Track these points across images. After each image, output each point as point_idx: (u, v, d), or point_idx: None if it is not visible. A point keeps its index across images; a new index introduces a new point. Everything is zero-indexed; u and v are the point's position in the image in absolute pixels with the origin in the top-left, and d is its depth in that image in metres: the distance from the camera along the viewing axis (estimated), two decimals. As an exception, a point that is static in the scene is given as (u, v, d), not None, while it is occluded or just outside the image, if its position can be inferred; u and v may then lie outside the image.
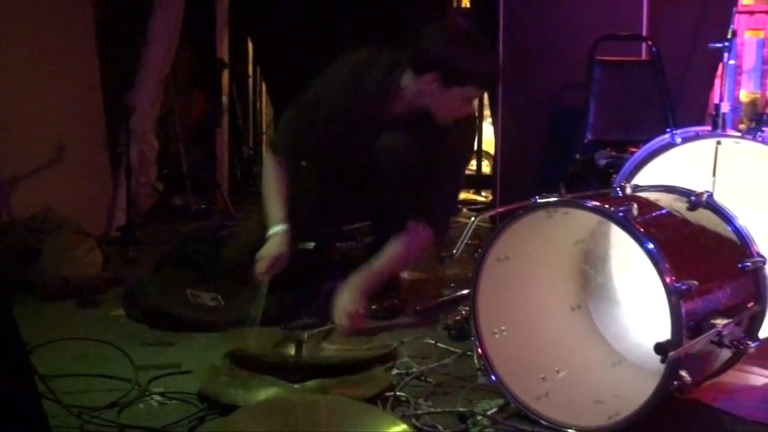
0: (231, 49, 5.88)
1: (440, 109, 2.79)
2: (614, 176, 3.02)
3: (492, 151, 5.58)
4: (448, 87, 2.71)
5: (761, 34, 5.38)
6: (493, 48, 3.00)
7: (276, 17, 5.26)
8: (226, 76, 5.79)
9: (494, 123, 5.00)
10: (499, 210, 2.30)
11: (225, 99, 5.80)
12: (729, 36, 2.86)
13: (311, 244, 3.03)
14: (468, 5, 5.58)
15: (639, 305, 2.50)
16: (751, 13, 5.38)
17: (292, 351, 2.48)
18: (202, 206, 5.24)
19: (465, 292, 2.96)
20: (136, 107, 4.40)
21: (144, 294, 3.00)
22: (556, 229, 2.33)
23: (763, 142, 2.79)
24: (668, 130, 2.90)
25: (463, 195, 5.96)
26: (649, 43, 4.23)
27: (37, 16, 3.98)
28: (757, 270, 2.30)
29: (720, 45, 2.86)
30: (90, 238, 3.59)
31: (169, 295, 3.00)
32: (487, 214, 2.84)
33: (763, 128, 3.03)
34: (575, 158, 3.89)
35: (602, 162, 3.27)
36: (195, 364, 2.50)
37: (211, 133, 5.73)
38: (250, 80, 6.43)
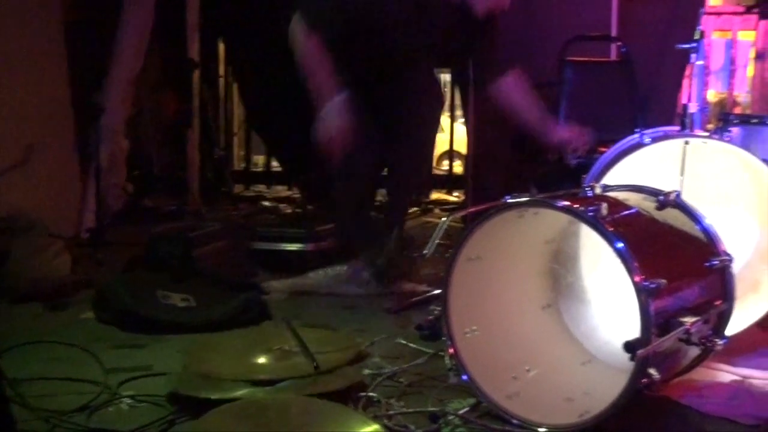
0: (202, 49, 5.84)
1: None
2: (584, 176, 3.04)
3: (464, 151, 5.60)
4: None
5: (729, 35, 5.45)
6: None
7: (247, 17, 5.25)
8: (197, 76, 5.76)
9: (466, 123, 5.02)
10: (471, 210, 2.31)
11: (196, 99, 5.77)
12: (696, 37, 2.90)
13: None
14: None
15: (608, 304, 2.52)
16: (719, 14, 5.44)
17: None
18: (173, 207, 5.21)
19: (437, 292, 2.96)
20: (105, 107, 4.37)
21: (114, 296, 2.98)
22: (527, 228, 2.34)
23: (730, 142, 2.83)
24: (637, 130, 2.92)
25: (434, 195, 5.99)
26: (619, 43, 4.27)
27: (3, 16, 3.93)
28: (724, 268, 2.33)
29: (687, 46, 2.89)
30: (59, 240, 3.56)
31: (139, 296, 2.98)
32: (459, 215, 2.84)
33: (730, 128, 3.08)
34: (546, 158, 3.92)
35: (573, 162, 3.30)
36: (166, 366, 2.49)
37: (182, 134, 5.69)
38: (222, 81, 6.40)
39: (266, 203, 5.83)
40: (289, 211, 5.34)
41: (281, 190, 6.28)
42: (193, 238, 3.48)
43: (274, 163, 6.35)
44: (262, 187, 6.42)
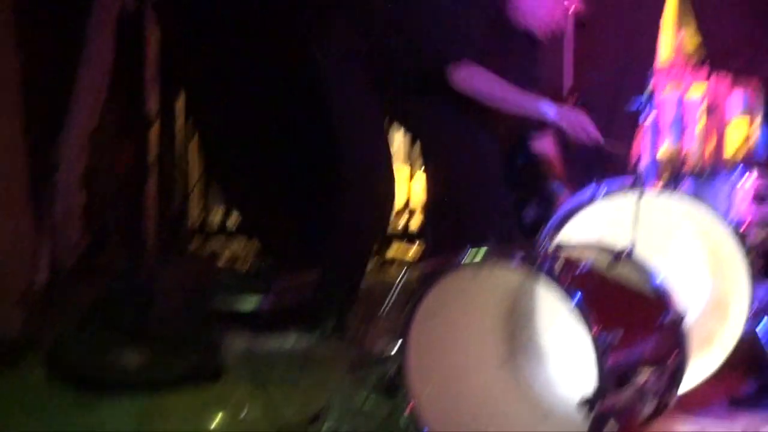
0: (160, 102, 5.83)
1: (532, 8, 3.05)
2: (540, 230, 3.07)
3: (422, 205, 5.62)
4: None
5: (680, 90, 5.58)
6: None
7: (211, 65, 5.27)
8: (154, 130, 5.74)
9: (427, 178, 5.04)
10: (428, 266, 2.32)
11: (153, 154, 5.74)
12: (646, 95, 2.96)
13: None
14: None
15: (565, 359, 2.53)
16: (670, 69, 5.57)
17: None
18: (129, 262, 5.14)
19: (395, 349, 2.95)
20: (61, 162, 4.32)
21: (66, 354, 2.92)
22: (484, 285, 2.35)
23: (681, 195, 2.88)
24: (591, 184, 2.96)
25: (393, 251, 5.99)
26: (574, 96, 4.34)
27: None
28: (678, 322, 2.36)
29: (639, 102, 2.96)
30: (10, 296, 3.49)
31: (92, 355, 2.93)
32: (416, 271, 2.84)
33: (682, 182, 3.15)
34: (505, 212, 3.94)
35: (530, 217, 3.34)
36: (119, 428, 2.43)
37: (139, 189, 5.64)
38: (179, 135, 6.38)
39: (224, 258, 5.78)
40: (248, 266, 5.30)
41: (240, 245, 6.23)
42: (148, 294, 3.44)
43: (233, 218, 6.31)
44: (218, 244, 6.37)
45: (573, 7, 3.16)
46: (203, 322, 3.54)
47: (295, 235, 5.25)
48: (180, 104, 6.21)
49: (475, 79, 3.07)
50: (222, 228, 6.46)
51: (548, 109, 3.02)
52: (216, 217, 6.60)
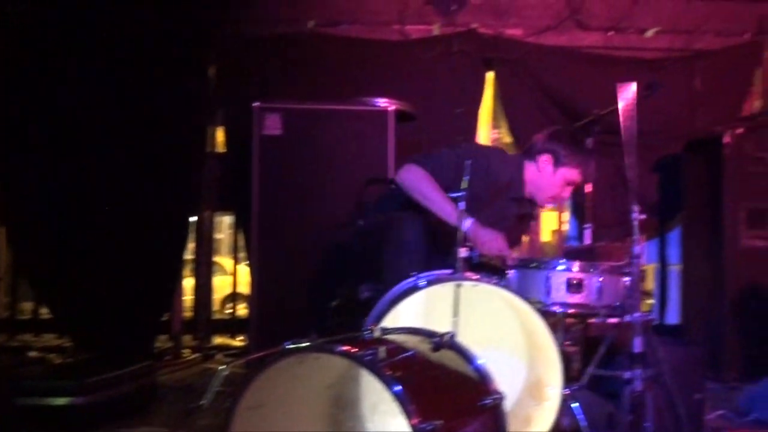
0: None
1: (550, 187, 3.56)
2: (364, 319, 3.08)
3: (248, 293, 5.55)
4: (557, 167, 3.53)
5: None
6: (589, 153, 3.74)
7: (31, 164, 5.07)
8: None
9: (249, 265, 5.01)
10: (252, 356, 2.27)
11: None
12: (464, 186, 3.09)
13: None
14: (223, 150, 5.66)
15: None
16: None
17: None
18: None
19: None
20: None
21: None
22: (308, 374, 2.33)
23: (497, 284, 2.99)
24: (413, 273, 3.03)
25: (218, 340, 5.85)
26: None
27: None
28: (496, 406, 2.42)
29: (456, 195, 3.07)
30: None
31: None
32: (239, 362, 2.78)
33: (502, 271, 3.27)
34: (339, 292, 3.94)
35: (365, 295, 3.36)
36: None
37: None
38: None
39: (33, 353, 5.43)
40: (59, 361, 5.00)
41: (50, 339, 5.88)
42: None
43: (44, 311, 5.97)
44: (29, 336, 5.99)
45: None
46: (10, 421, 3.29)
47: (107, 330, 5.04)
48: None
49: (411, 174, 3.43)
50: (33, 321, 6.10)
51: (465, 223, 3.22)
52: (26, 308, 6.23)
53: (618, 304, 3.22)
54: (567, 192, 3.62)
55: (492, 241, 3.25)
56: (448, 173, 3.38)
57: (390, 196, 3.65)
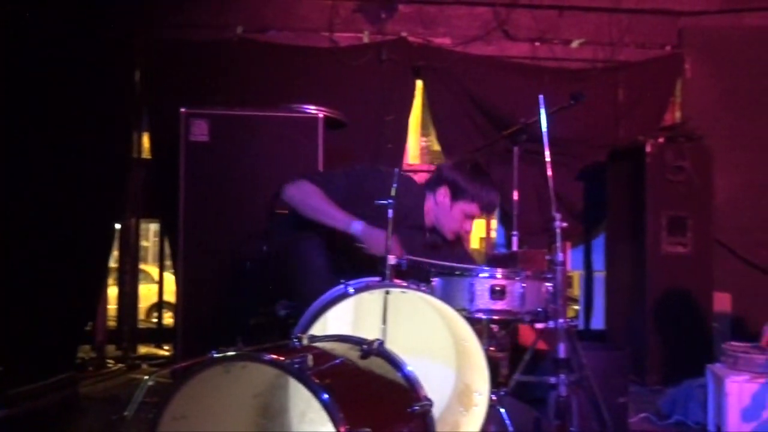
0: None
1: (448, 220, 3.52)
2: (293, 327, 3.06)
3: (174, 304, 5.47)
4: (455, 200, 3.49)
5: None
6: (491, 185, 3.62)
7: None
8: None
9: (175, 273, 4.93)
10: (176, 366, 2.23)
11: None
12: (393, 194, 3.10)
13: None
14: (149, 156, 5.56)
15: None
16: (415, 171, 5.91)
17: None
18: None
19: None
20: None
21: None
22: (235, 383, 2.30)
23: (425, 292, 3.01)
24: (342, 281, 3.02)
25: (144, 349, 5.74)
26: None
27: None
28: (425, 413, 2.43)
29: (384, 202, 3.08)
30: None
31: None
32: (164, 372, 2.73)
33: (432, 278, 3.29)
34: (257, 309, 3.91)
35: (282, 312, 3.34)
36: None
37: None
38: None
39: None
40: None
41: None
42: None
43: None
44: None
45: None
46: None
47: (27, 340, 4.89)
48: None
49: (296, 190, 3.42)
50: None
51: (355, 227, 3.27)
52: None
53: (541, 309, 3.27)
54: (468, 225, 3.59)
55: (381, 239, 3.19)
56: (338, 194, 3.38)
57: (284, 218, 3.63)
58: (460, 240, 3.77)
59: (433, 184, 3.58)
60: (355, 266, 3.31)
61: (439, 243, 3.64)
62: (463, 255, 3.73)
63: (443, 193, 3.51)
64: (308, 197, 3.38)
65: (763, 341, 3.33)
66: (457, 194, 3.49)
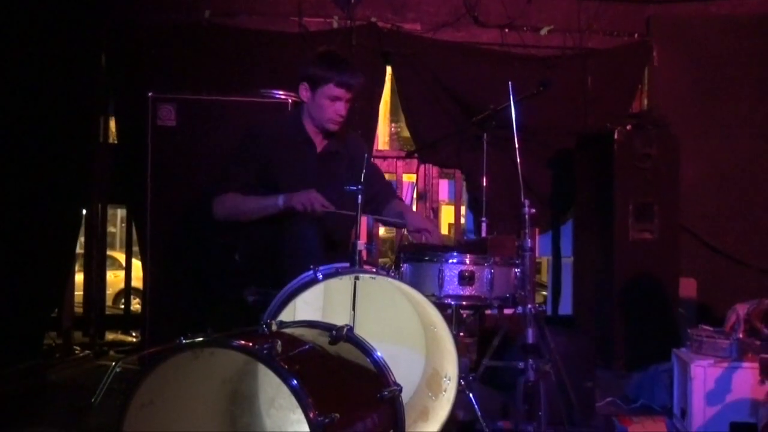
0: None
1: (318, 111, 3.50)
2: (262, 313, 3.05)
3: (141, 290, 5.42)
4: (314, 90, 3.48)
5: (394, 177, 5.92)
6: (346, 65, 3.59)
7: None
8: None
9: (143, 259, 4.89)
10: (144, 353, 2.21)
11: None
12: (362, 180, 3.09)
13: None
14: (116, 141, 5.50)
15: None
16: (385, 158, 5.90)
17: None
18: None
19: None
20: None
21: None
22: (203, 369, 2.29)
23: (396, 277, 3.01)
24: (311, 267, 3.01)
25: (111, 336, 5.70)
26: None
27: None
28: (394, 398, 2.43)
29: (354, 188, 3.07)
30: None
31: None
32: (131, 358, 2.71)
33: (403, 264, 3.29)
34: (225, 295, 3.90)
35: (251, 299, 3.32)
36: None
37: None
38: None
39: None
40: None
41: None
42: None
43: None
44: None
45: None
46: None
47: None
48: None
49: (219, 206, 3.51)
50: None
51: (279, 200, 3.32)
52: None
53: (509, 295, 3.29)
54: (340, 109, 3.51)
55: (305, 195, 3.27)
56: (248, 177, 3.46)
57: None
58: (360, 147, 3.76)
59: (297, 86, 3.58)
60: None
61: (333, 149, 3.63)
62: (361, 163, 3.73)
63: (304, 89, 3.52)
64: (232, 207, 3.48)
65: (727, 326, 3.37)
66: (313, 84, 3.49)
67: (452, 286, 3.18)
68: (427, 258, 3.23)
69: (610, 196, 5.11)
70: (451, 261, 3.19)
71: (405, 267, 3.25)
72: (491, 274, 3.20)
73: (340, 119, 3.53)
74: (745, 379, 3.43)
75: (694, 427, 3.47)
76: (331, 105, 3.48)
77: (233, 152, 3.57)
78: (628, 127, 5.14)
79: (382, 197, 3.73)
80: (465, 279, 3.19)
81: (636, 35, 6.08)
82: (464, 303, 3.26)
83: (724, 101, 5.94)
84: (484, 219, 4.67)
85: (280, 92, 4.70)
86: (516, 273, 3.34)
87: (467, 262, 3.21)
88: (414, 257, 3.29)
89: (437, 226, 3.58)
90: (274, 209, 3.35)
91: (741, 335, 3.36)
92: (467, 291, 3.18)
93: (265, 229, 3.44)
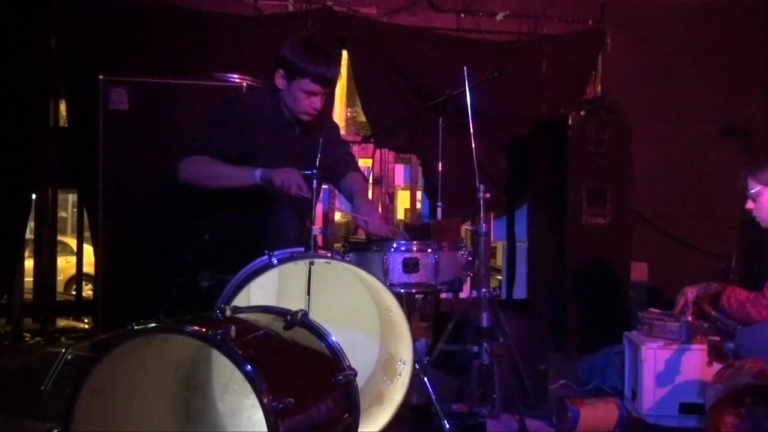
0: None
1: (292, 102, 3.40)
2: (216, 299, 3.03)
3: (93, 276, 5.34)
4: (290, 80, 3.37)
5: (369, 163, 5.91)
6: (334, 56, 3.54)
7: None
8: None
9: (94, 245, 4.82)
10: (95, 339, 2.19)
11: None
12: (317, 164, 3.08)
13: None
14: (66, 124, 5.40)
15: (241, 426, 2.50)
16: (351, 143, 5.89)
17: None
18: None
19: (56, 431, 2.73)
20: None
21: None
22: (156, 355, 2.27)
23: (350, 262, 3.01)
24: (266, 252, 2.99)
25: (62, 322, 5.61)
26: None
27: None
28: (349, 383, 2.44)
29: (309, 173, 3.06)
30: None
31: None
32: (83, 344, 2.68)
33: (348, 254, 3.27)
34: (178, 281, 3.85)
35: (205, 284, 3.29)
36: None
37: None
38: None
39: None
40: None
41: None
42: None
43: None
44: None
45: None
46: None
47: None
48: None
49: (187, 168, 3.34)
50: None
51: (257, 172, 3.21)
52: None
53: (455, 278, 3.29)
54: (316, 103, 3.42)
55: (287, 172, 3.18)
56: (224, 144, 3.34)
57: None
58: (335, 131, 3.77)
59: (273, 70, 3.47)
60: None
61: (310, 131, 3.56)
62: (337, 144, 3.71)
63: (280, 76, 3.40)
64: (202, 170, 3.31)
65: (676, 309, 3.43)
66: (290, 74, 3.38)
67: (397, 275, 3.16)
68: (375, 248, 3.22)
69: (564, 181, 5.17)
70: (394, 249, 3.18)
71: (351, 256, 3.22)
72: (435, 259, 3.19)
73: (315, 113, 3.45)
74: (694, 361, 3.50)
75: (644, 408, 3.53)
76: (306, 98, 3.38)
77: (208, 116, 3.44)
78: (582, 113, 5.19)
79: (341, 167, 3.63)
80: (409, 267, 3.17)
81: (590, 22, 6.13)
82: (412, 290, 3.24)
83: (676, 88, 6.03)
84: (439, 204, 4.68)
85: (235, 76, 4.64)
86: (463, 255, 3.34)
87: (413, 249, 3.20)
88: (359, 246, 3.28)
89: (382, 216, 3.49)
90: (249, 180, 3.22)
91: (690, 318, 3.42)
92: (413, 278, 3.17)
93: (237, 212, 3.39)
